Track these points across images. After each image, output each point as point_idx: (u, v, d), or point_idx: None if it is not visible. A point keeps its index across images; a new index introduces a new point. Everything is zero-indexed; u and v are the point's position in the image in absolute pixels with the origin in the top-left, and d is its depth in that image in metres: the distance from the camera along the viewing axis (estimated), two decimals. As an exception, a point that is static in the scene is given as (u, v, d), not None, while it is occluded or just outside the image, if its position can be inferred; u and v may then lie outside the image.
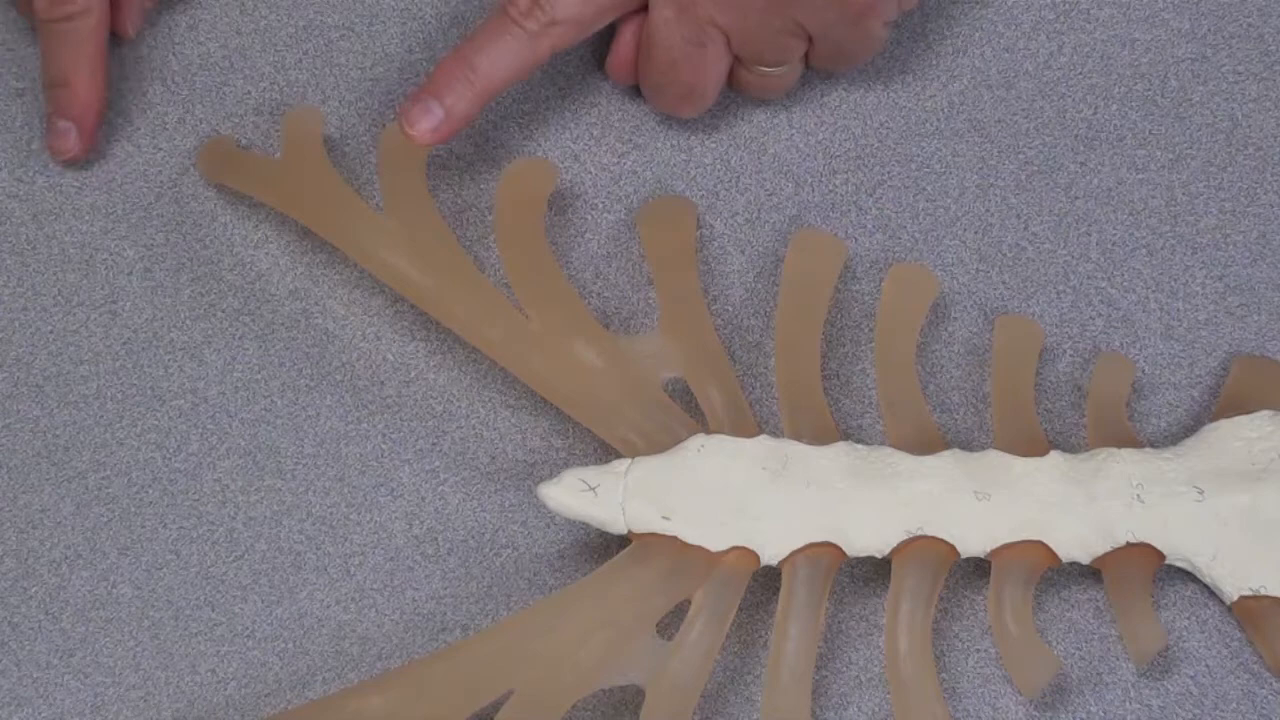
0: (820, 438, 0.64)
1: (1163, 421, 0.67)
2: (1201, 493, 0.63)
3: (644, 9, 0.66)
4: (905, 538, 0.63)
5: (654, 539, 0.62)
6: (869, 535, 0.63)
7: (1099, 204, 0.69)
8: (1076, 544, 0.63)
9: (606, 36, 0.68)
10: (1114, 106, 0.70)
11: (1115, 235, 0.69)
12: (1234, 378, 0.66)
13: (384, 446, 0.67)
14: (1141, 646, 0.63)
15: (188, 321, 0.68)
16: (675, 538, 0.62)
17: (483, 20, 0.65)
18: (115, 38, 0.69)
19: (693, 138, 0.70)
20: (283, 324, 0.68)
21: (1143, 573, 0.63)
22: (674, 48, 0.65)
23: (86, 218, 0.69)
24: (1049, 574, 0.65)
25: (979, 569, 0.64)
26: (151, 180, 0.69)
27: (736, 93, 0.69)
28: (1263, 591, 0.63)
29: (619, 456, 0.64)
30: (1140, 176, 0.69)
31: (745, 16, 0.64)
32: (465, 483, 0.66)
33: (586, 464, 0.65)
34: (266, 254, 0.68)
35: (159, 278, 0.68)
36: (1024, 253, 0.69)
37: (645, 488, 0.62)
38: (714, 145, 0.70)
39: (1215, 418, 0.65)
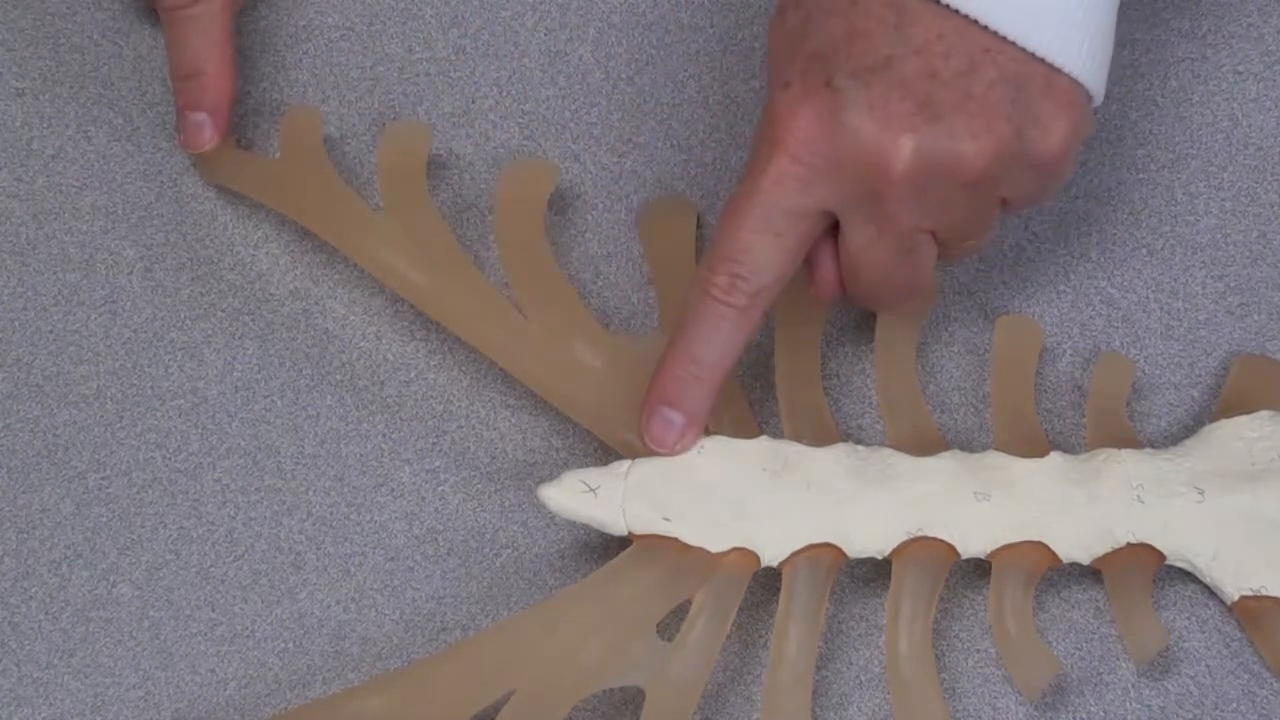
0: (820, 439, 0.64)
1: (1163, 421, 0.67)
2: (1202, 493, 0.63)
3: (833, 228, 0.61)
4: (905, 538, 0.63)
5: (654, 540, 0.62)
6: (869, 536, 0.63)
7: (1099, 204, 0.69)
8: (1077, 544, 0.63)
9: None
10: (1114, 106, 0.70)
11: (1115, 235, 0.69)
12: (1234, 378, 0.66)
13: (384, 446, 0.67)
14: (1142, 646, 0.63)
15: (188, 321, 0.68)
16: (676, 539, 0.62)
17: (688, 305, 0.61)
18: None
19: (693, 138, 0.70)
20: (283, 324, 0.68)
21: (1143, 573, 0.63)
22: (884, 263, 0.61)
23: (86, 218, 0.69)
24: (1049, 574, 0.65)
25: (979, 569, 0.64)
26: (151, 180, 0.69)
27: (943, 265, 0.65)
28: (1263, 591, 0.63)
29: (619, 457, 0.64)
30: (1140, 176, 0.69)
31: (949, 212, 0.60)
32: (465, 483, 0.66)
33: (586, 464, 0.65)
34: (266, 254, 0.68)
35: (159, 278, 0.68)
36: (1024, 253, 0.69)
37: (646, 489, 0.62)
38: (714, 145, 0.70)
39: (1215, 418, 0.65)
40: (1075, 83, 0.59)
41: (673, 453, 0.62)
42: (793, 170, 0.59)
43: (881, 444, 0.65)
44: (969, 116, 0.58)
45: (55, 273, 0.68)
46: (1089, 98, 0.60)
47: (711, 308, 0.61)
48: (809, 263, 0.63)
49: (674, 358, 0.62)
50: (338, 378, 0.67)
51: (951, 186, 0.59)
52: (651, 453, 0.63)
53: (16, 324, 0.68)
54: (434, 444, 0.67)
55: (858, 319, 0.68)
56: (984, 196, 0.60)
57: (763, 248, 0.60)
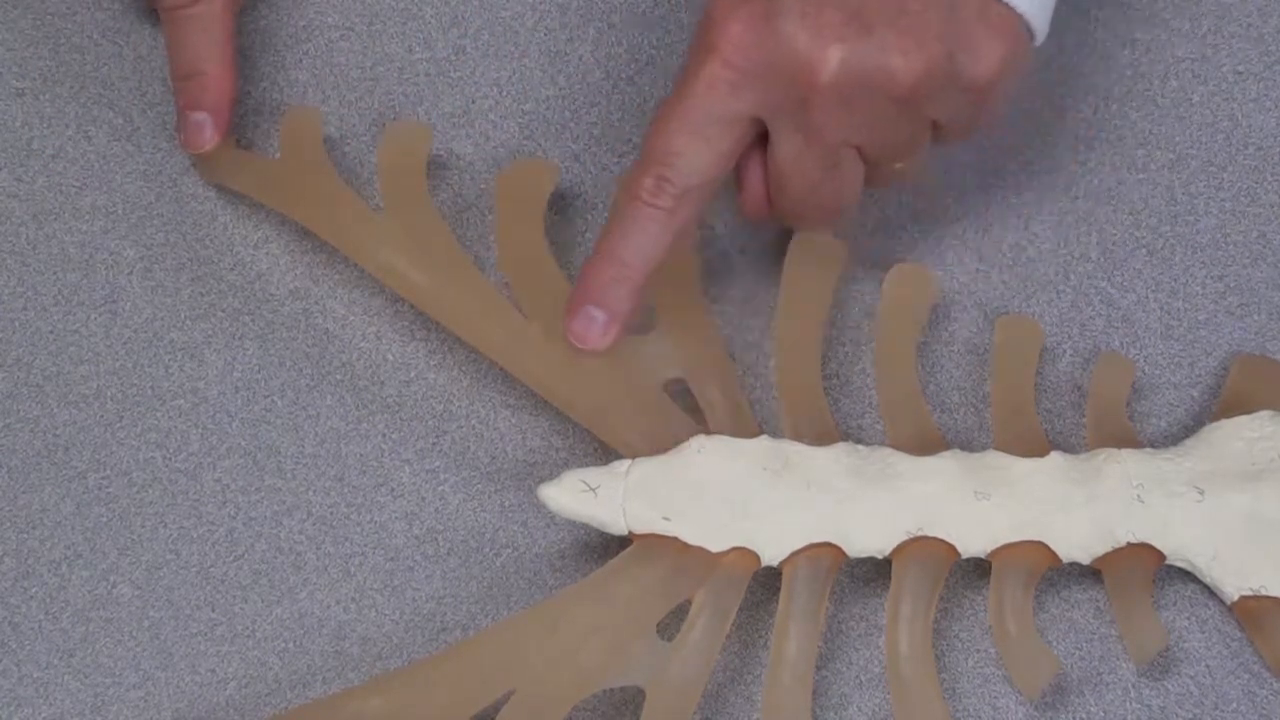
0: (820, 438, 0.64)
1: (1163, 421, 0.67)
2: (1202, 493, 0.63)
3: (762, 141, 0.63)
4: (906, 538, 0.63)
5: (654, 540, 0.62)
6: (869, 535, 0.63)
7: (1099, 204, 0.69)
8: (1077, 544, 0.63)
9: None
10: (1114, 106, 0.70)
11: (1115, 235, 0.69)
12: (1234, 378, 0.66)
13: (384, 446, 0.67)
14: (1142, 646, 0.63)
15: (188, 321, 0.68)
16: (676, 538, 0.62)
17: (614, 206, 0.63)
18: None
19: (693, 138, 0.70)
20: (283, 324, 0.68)
21: (1143, 573, 0.63)
22: (810, 175, 0.62)
23: (86, 218, 0.69)
24: (1049, 574, 0.65)
25: (979, 569, 0.64)
26: (151, 180, 0.69)
27: (868, 189, 0.65)
28: (1263, 591, 0.63)
29: (619, 457, 0.64)
30: (1140, 176, 0.69)
31: (877, 129, 0.61)
32: (465, 483, 0.66)
33: (586, 464, 0.65)
34: (266, 254, 0.68)
35: (159, 278, 0.68)
36: (1024, 253, 0.69)
37: (646, 488, 0.62)
38: (714, 145, 0.70)
39: (1216, 418, 0.65)
40: (1012, 11, 0.60)
41: (592, 348, 0.63)
42: (724, 75, 0.60)
43: (881, 444, 0.65)
44: (900, 33, 0.59)
45: (55, 273, 0.68)
46: (1029, 32, 0.61)
47: (638, 209, 0.62)
48: (738, 175, 0.64)
49: (599, 259, 0.63)
50: (338, 378, 0.67)
51: (879, 101, 0.60)
52: (584, 349, 0.63)
53: (16, 324, 0.68)
54: (434, 444, 0.67)
55: (858, 319, 0.68)
56: (913, 116, 0.61)
57: (691, 152, 0.61)
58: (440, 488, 0.66)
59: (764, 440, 0.64)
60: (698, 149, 0.61)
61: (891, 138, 0.61)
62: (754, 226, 0.69)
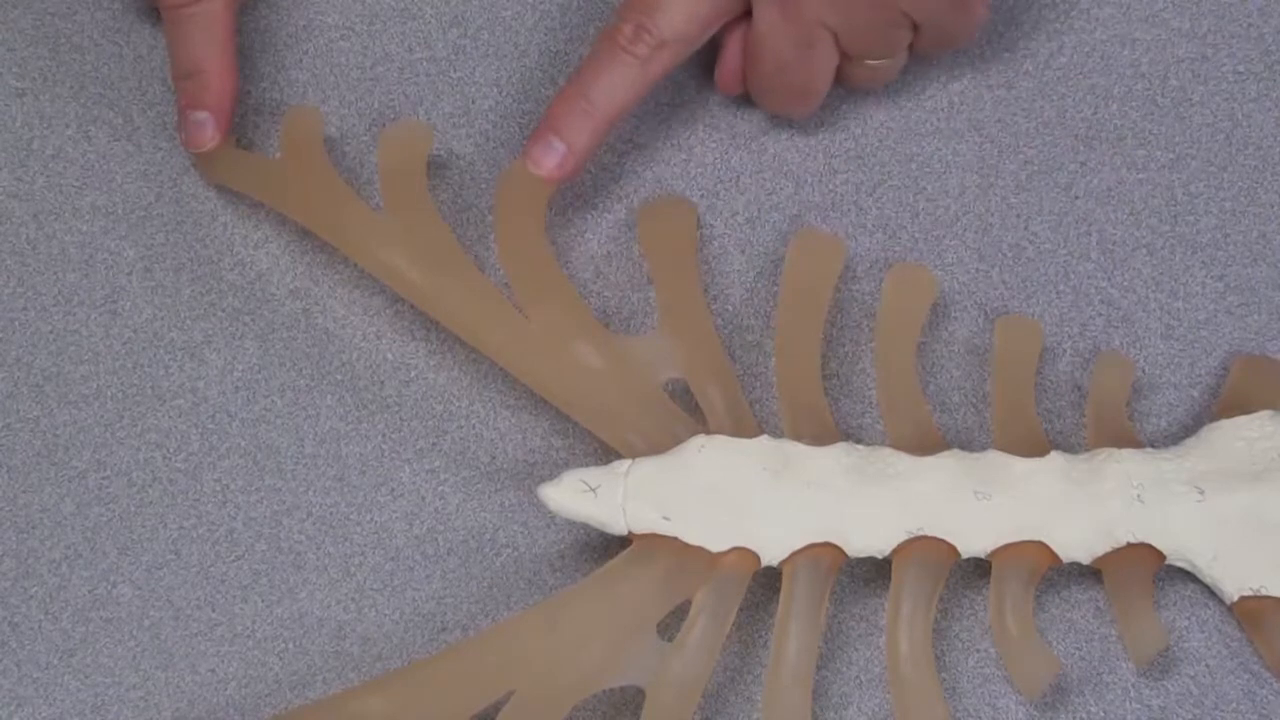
0: (820, 438, 0.64)
1: (1163, 421, 0.67)
2: (1202, 493, 0.63)
3: (746, 15, 0.65)
4: (906, 538, 0.63)
5: (654, 539, 0.62)
6: (869, 535, 0.63)
7: (1099, 204, 0.69)
8: (1077, 544, 0.63)
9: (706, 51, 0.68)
10: (1114, 106, 0.70)
11: (1115, 235, 0.69)
12: (1234, 378, 0.66)
13: (384, 446, 0.67)
14: (1142, 646, 0.63)
15: (188, 321, 0.68)
16: (676, 538, 0.62)
17: (591, 50, 0.65)
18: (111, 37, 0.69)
19: (693, 138, 0.70)
20: (283, 324, 0.68)
21: (1143, 573, 0.63)
22: (782, 51, 0.65)
23: (86, 218, 0.69)
24: (1049, 574, 0.65)
25: (979, 569, 0.64)
26: (151, 180, 0.69)
27: (841, 86, 0.68)
28: (1263, 591, 0.63)
29: (619, 457, 0.64)
30: (1140, 176, 0.69)
31: (853, 14, 0.64)
32: (465, 483, 0.66)
33: (587, 464, 0.65)
34: (266, 254, 0.68)
35: (159, 278, 0.68)
36: (1024, 253, 0.69)
37: (646, 488, 0.62)
38: (714, 145, 0.70)
39: (1216, 418, 0.65)
40: None
41: (547, 178, 0.65)
42: None
43: (881, 444, 0.65)
44: None
45: (55, 273, 0.68)
46: None
47: (614, 54, 0.64)
48: (720, 48, 0.66)
49: (570, 93, 0.65)
50: (338, 378, 0.67)
51: None
52: (538, 178, 0.65)
53: (16, 324, 0.68)
54: (434, 444, 0.67)
55: (858, 319, 0.68)
56: (890, 7, 0.63)
57: (673, 7, 0.64)
58: (440, 488, 0.66)
59: (764, 440, 0.64)
60: (679, 6, 0.64)
61: (867, 27, 0.64)
62: (754, 225, 0.69)
